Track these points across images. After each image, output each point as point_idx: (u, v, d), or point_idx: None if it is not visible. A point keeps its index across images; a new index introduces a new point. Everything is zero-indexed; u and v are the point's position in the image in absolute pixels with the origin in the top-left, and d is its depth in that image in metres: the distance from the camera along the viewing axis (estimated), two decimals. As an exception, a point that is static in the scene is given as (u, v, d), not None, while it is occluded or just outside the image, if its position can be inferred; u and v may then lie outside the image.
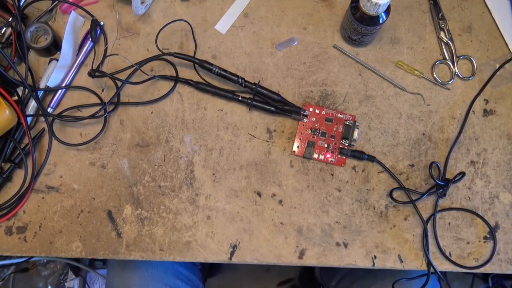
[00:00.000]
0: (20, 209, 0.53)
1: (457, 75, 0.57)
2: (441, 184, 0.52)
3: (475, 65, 0.57)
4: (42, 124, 0.56)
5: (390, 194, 0.53)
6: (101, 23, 0.57)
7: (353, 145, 0.55)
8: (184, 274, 0.70)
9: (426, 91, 0.56)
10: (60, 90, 0.56)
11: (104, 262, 1.08)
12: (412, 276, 0.55)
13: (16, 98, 0.54)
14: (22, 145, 0.55)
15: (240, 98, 0.55)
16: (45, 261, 1.09)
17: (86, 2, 0.58)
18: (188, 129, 0.55)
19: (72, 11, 0.57)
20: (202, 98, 0.56)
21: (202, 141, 0.55)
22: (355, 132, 0.54)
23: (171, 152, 0.55)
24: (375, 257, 0.52)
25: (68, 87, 0.56)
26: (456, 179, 0.52)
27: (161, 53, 0.55)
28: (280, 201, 0.54)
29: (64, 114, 0.55)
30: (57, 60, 0.56)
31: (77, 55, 0.57)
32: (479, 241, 0.53)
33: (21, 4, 0.56)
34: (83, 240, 0.53)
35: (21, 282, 1.10)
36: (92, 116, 0.54)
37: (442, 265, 0.52)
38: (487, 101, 0.56)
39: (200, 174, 0.54)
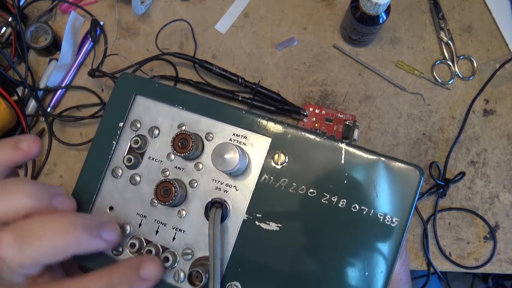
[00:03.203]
0: (20, 209, 0.53)
1: (457, 75, 0.57)
2: (441, 184, 0.52)
3: (475, 65, 0.57)
4: (42, 124, 0.56)
5: (390, 194, 0.53)
6: (101, 23, 0.57)
7: (353, 145, 0.55)
8: None
9: (426, 91, 0.56)
10: (60, 90, 0.56)
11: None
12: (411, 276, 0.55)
13: (16, 98, 0.54)
14: (22, 145, 0.55)
15: (240, 98, 0.55)
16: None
17: (86, 2, 0.58)
18: (188, 129, 0.55)
19: (72, 11, 0.57)
20: (202, 98, 0.56)
21: (202, 141, 0.55)
22: (355, 132, 0.54)
23: (171, 152, 0.55)
24: (375, 257, 0.52)
25: (68, 87, 0.56)
26: (456, 179, 0.52)
27: (161, 53, 0.55)
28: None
29: (64, 114, 0.55)
30: (57, 60, 0.56)
31: (77, 55, 0.57)
32: (479, 241, 0.53)
33: (21, 4, 0.56)
34: (83, 240, 0.52)
35: (21, 282, 1.09)
36: (92, 116, 0.54)
37: (442, 265, 0.52)
38: (487, 101, 0.56)
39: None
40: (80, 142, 0.54)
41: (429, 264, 0.52)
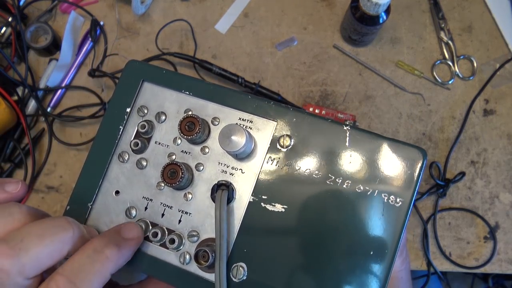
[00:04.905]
0: (20, 209, 0.53)
1: (457, 75, 0.57)
2: (441, 184, 0.52)
3: (475, 65, 0.57)
4: (42, 124, 0.56)
5: (390, 194, 0.53)
6: (101, 23, 0.57)
7: (353, 145, 0.55)
8: None
9: (426, 91, 0.56)
10: (60, 90, 0.56)
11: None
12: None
13: (16, 98, 0.54)
14: (22, 145, 0.55)
15: (240, 98, 0.55)
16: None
17: (86, 2, 0.58)
18: (188, 129, 0.55)
19: (72, 11, 0.57)
20: (202, 98, 0.56)
21: (202, 141, 0.55)
22: (355, 132, 0.54)
23: (171, 152, 0.55)
24: (375, 257, 0.52)
25: (68, 87, 0.56)
26: (456, 179, 0.52)
27: (161, 53, 0.55)
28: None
29: (64, 114, 0.55)
30: (57, 60, 0.56)
31: (77, 55, 0.57)
32: (479, 241, 0.53)
33: (21, 4, 0.56)
34: (83, 240, 0.52)
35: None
36: (92, 116, 0.54)
37: (442, 265, 0.52)
38: (487, 101, 0.56)
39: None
40: (80, 142, 0.54)
41: (429, 264, 0.52)
